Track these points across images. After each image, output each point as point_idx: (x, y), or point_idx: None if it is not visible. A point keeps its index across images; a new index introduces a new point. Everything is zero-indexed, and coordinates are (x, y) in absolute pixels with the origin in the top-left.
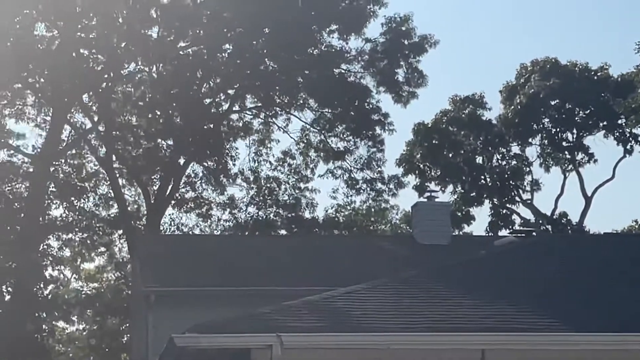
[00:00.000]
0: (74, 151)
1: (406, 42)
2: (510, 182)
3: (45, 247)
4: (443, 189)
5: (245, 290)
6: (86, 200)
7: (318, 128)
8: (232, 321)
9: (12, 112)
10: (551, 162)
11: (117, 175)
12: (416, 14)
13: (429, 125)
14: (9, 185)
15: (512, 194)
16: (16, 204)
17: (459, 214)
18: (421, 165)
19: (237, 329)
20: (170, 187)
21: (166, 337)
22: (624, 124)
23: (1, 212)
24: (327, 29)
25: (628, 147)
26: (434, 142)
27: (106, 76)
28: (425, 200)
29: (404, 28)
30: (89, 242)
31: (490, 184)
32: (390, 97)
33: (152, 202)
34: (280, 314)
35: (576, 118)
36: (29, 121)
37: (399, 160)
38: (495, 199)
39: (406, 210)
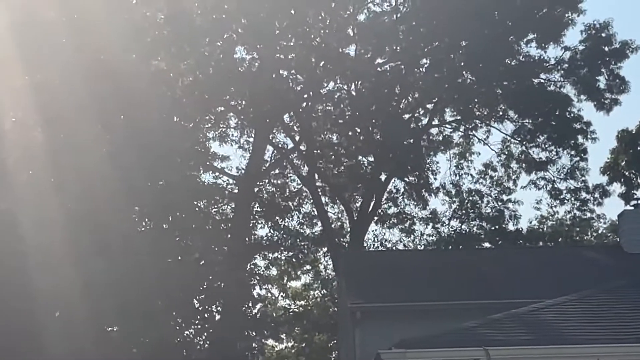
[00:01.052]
0: (277, 171)
1: (606, 49)
2: None
3: (252, 266)
4: None
5: (450, 305)
6: (290, 219)
7: (519, 139)
8: (438, 336)
9: (216, 134)
10: None
11: (320, 193)
12: (615, 19)
13: (634, 132)
14: (216, 206)
15: None
16: (223, 225)
17: None
18: (627, 173)
19: (444, 344)
20: (372, 203)
21: (373, 352)
22: None
23: (209, 233)
24: (525, 39)
25: None
26: (639, 148)
27: (306, 96)
28: (632, 208)
29: (603, 34)
30: (294, 260)
31: None
32: (591, 105)
33: (355, 218)
34: (486, 327)
35: None
36: (233, 143)
37: (603, 169)
38: None
39: (612, 220)
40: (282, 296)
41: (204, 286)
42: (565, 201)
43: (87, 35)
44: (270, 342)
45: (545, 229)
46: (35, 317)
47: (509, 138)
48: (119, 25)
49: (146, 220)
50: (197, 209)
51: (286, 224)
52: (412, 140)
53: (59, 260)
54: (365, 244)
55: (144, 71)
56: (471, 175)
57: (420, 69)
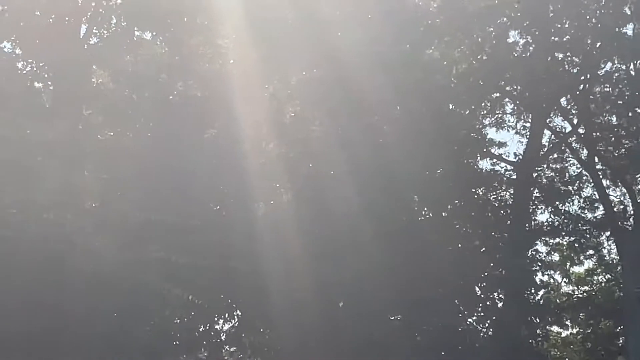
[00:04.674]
0: (555, 155)
1: None
2: None
3: (533, 252)
4: None
5: None
6: (571, 203)
7: None
8: None
9: (492, 121)
10: None
11: (601, 176)
12: None
13: None
14: (494, 193)
15: None
16: (502, 212)
17: None
18: None
19: None
20: None
21: None
22: None
23: (489, 220)
24: None
25: None
26: None
27: (583, 78)
28: None
29: None
30: (576, 245)
31: None
32: None
33: (638, 201)
34: None
35: None
36: (509, 129)
37: None
38: None
39: None
40: (565, 282)
41: (485, 273)
42: None
43: (359, 28)
44: (554, 328)
45: None
46: (322, 306)
47: None
48: (397, 16)
49: (425, 209)
50: (475, 196)
51: (567, 208)
52: None
53: (339, 250)
54: None
55: (418, 60)
56: None
57: None
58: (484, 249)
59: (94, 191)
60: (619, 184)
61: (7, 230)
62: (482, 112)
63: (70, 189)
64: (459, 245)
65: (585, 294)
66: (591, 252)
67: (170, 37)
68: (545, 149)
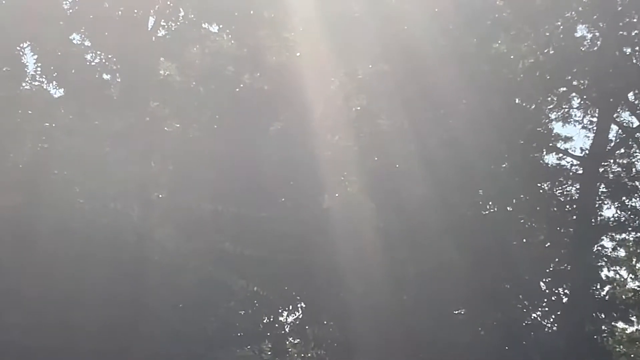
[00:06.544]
0: (622, 150)
1: None
2: None
3: (599, 248)
4: None
5: None
6: (637, 199)
7: None
8: None
9: (558, 115)
10: None
11: None
12: None
13: None
14: (560, 188)
15: None
16: (567, 207)
17: None
18: None
19: None
20: None
21: None
22: None
23: (554, 215)
24: None
25: None
26: None
27: None
28: None
29: None
30: None
31: None
32: None
33: None
34: None
35: None
36: (575, 123)
37: None
38: None
39: None
40: (631, 278)
41: (550, 268)
42: None
43: (426, 21)
44: (619, 324)
45: None
46: (387, 300)
47: None
48: (464, 9)
49: (490, 203)
50: (540, 190)
51: (633, 204)
52: None
53: (405, 243)
54: None
55: (485, 54)
56: None
57: None
58: (549, 243)
59: (161, 182)
60: None
61: (76, 221)
62: (548, 107)
63: (137, 180)
64: (524, 240)
65: None
66: None
67: (237, 29)
68: (612, 143)
